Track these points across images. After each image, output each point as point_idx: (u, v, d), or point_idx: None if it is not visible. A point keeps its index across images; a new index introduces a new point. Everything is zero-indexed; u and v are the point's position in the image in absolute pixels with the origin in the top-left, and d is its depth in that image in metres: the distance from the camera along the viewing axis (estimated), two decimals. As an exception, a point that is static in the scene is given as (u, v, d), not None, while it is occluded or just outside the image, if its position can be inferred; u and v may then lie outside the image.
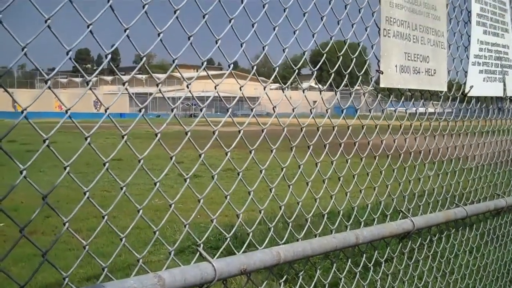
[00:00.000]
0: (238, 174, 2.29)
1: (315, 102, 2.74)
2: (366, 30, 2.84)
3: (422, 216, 3.29)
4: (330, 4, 2.62)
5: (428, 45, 3.22)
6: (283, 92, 2.41)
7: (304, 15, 2.49)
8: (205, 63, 2.04)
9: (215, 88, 2.09)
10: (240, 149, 2.37)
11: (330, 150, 2.68)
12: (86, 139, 1.62)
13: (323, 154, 2.63)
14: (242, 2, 2.20)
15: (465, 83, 3.72)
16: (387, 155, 3.12)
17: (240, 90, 2.23)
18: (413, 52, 3.09)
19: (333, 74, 2.69)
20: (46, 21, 1.44)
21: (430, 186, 3.57)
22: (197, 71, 2.29)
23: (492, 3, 3.94)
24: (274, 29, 2.34)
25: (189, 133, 2.02)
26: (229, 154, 2.19)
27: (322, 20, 2.57)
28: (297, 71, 2.54)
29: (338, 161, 2.77)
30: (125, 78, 1.89)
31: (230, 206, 2.31)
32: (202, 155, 2.07)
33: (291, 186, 2.54)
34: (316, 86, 2.76)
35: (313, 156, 2.61)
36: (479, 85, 3.82)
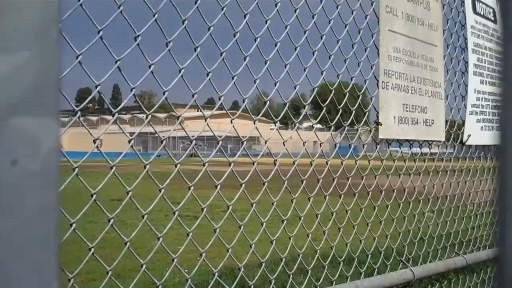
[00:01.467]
0: (240, 227, 2.31)
1: (315, 142, 2.79)
2: (365, 83, 2.91)
3: (422, 266, 3.29)
4: (329, 59, 2.70)
5: (426, 96, 3.28)
6: (284, 145, 2.44)
7: (304, 70, 2.56)
8: (208, 119, 2.09)
9: (218, 140, 2.13)
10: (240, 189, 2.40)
11: (331, 193, 2.71)
12: (92, 195, 1.66)
13: (323, 206, 2.66)
14: (244, 60, 2.26)
15: (463, 132, 3.77)
16: (387, 205, 3.15)
17: (243, 143, 2.26)
18: (411, 103, 3.15)
19: (335, 115, 2.76)
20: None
21: (430, 235, 3.58)
22: (198, 111, 2.34)
23: (489, 53, 4.02)
24: (275, 84, 2.40)
25: (192, 188, 2.05)
26: (230, 207, 2.22)
27: (322, 74, 2.65)
28: (297, 124, 2.59)
29: (338, 208, 2.80)
30: (126, 117, 1.93)
31: (232, 250, 2.32)
32: (205, 209, 2.10)
33: (292, 238, 2.56)
34: (317, 126, 2.82)
35: (314, 207, 2.64)
36: (477, 133, 3.86)
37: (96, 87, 1.66)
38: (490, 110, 4.04)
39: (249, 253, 2.37)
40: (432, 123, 3.37)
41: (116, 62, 1.72)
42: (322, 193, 2.66)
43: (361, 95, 2.97)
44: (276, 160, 2.42)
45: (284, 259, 2.54)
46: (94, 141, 1.77)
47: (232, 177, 2.25)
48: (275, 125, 2.51)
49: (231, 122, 2.23)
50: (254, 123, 2.37)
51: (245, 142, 2.45)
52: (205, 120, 2.13)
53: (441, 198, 3.67)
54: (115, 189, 1.89)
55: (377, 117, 2.94)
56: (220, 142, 2.18)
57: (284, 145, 2.43)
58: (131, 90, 1.78)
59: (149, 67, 1.86)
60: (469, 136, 3.78)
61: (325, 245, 2.80)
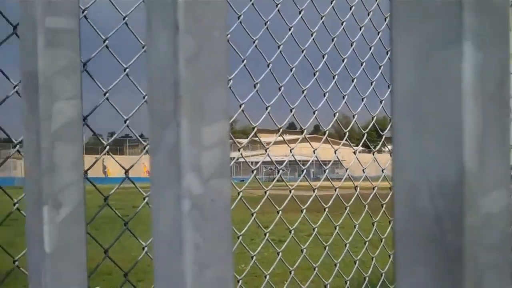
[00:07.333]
0: (325, 248, 2.30)
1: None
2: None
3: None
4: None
5: None
6: (364, 172, 2.41)
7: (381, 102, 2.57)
8: (281, 129, 2.12)
9: (291, 151, 2.15)
10: (323, 213, 2.39)
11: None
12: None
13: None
14: (314, 75, 2.29)
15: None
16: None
17: (325, 167, 2.27)
18: None
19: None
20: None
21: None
22: (279, 135, 2.38)
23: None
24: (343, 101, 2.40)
25: (280, 212, 2.05)
26: (316, 230, 2.21)
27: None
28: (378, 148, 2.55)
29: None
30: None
31: (318, 272, 2.32)
32: (292, 232, 2.10)
33: (373, 259, 2.53)
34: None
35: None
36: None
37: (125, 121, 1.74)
38: None
39: (333, 274, 2.35)
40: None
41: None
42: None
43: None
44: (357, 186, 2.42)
45: (367, 279, 2.49)
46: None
47: (315, 201, 2.25)
48: (353, 147, 2.50)
49: (312, 137, 2.24)
50: (335, 153, 2.37)
51: (325, 163, 2.44)
52: (279, 131, 2.13)
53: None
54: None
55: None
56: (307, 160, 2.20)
57: (364, 172, 2.42)
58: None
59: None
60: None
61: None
